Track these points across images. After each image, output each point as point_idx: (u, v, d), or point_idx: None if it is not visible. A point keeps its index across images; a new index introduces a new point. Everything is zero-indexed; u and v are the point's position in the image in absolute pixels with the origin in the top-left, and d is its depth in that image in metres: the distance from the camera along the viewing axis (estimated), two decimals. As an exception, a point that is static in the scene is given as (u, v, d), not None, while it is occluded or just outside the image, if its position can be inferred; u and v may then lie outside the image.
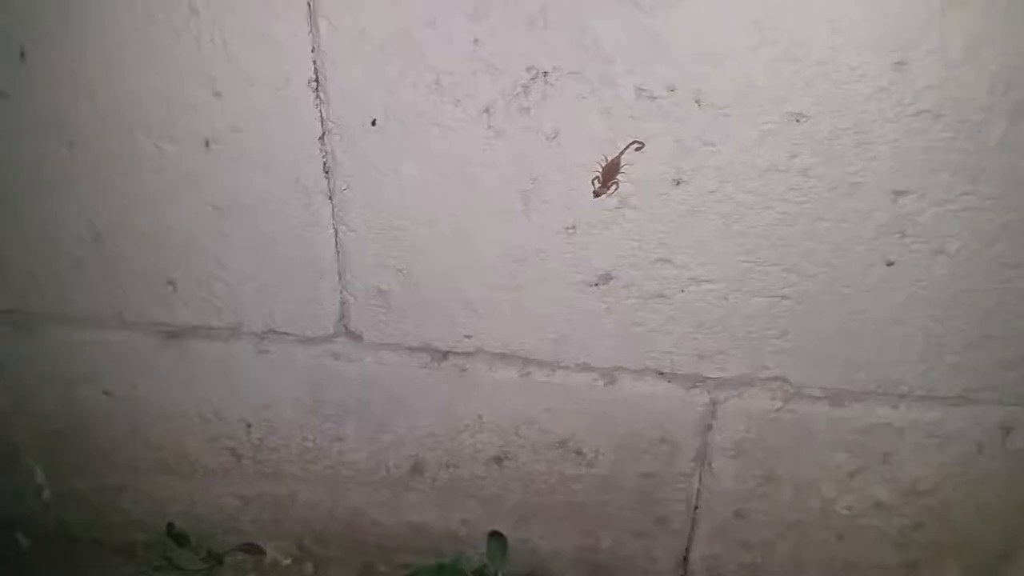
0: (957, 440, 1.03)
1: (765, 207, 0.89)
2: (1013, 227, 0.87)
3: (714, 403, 1.05)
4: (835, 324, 0.96)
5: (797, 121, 0.83)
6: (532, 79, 0.84)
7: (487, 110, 0.87)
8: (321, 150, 0.92)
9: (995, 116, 0.81)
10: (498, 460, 1.14)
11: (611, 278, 0.96)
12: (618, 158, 0.87)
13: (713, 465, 1.10)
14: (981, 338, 0.95)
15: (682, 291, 0.96)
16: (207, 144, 0.93)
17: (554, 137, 0.87)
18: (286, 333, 1.07)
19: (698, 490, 1.13)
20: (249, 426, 1.17)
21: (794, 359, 0.99)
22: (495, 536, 1.15)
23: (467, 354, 1.06)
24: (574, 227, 0.93)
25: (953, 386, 0.99)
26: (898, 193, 0.87)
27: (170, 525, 1.25)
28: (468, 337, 1.04)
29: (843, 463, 1.08)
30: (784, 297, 0.94)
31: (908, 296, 0.93)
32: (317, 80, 0.88)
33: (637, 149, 0.87)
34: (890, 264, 0.91)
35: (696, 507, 1.15)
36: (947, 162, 0.84)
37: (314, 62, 0.87)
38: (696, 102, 0.83)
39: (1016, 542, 1.10)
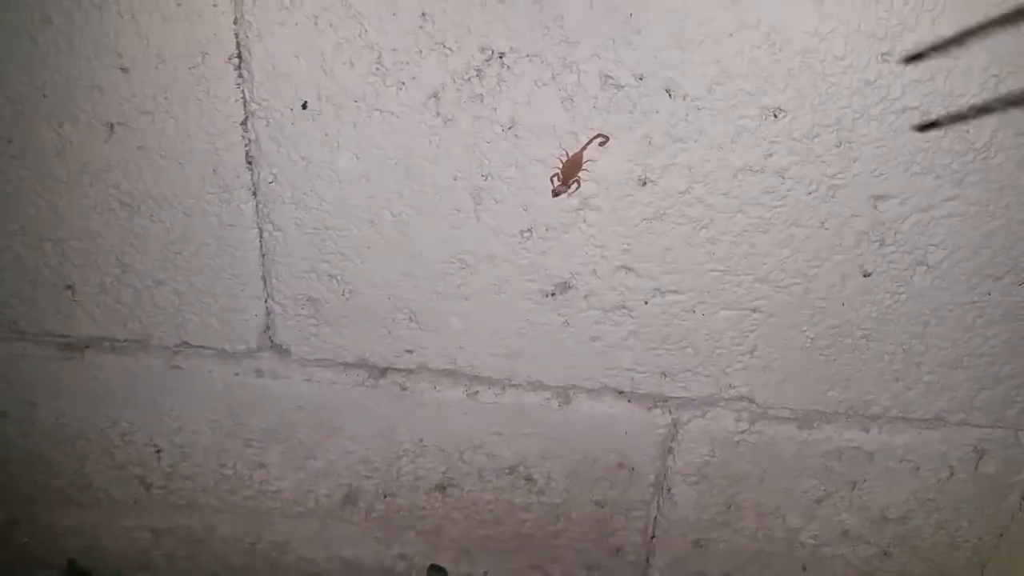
0: (930, 464, 0.97)
1: (737, 211, 0.81)
2: (997, 236, 0.81)
3: (676, 424, 0.97)
4: (807, 340, 0.89)
5: (775, 116, 0.76)
6: (486, 61, 0.75)
7: (435, 95, 0.77)
8: (243, 137, 0.81)
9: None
10: (441, 488, 1.04)
11: (569, 288, 0.87)
12: (580, 153, 0.79)
13: (673, 491, 1.02)
14: (959, 356, 0.89)
15: (646, 303, 0.88)
16: (112, 128, 0.81)
17: (510, 128, 0.78)
18: (202, 346, 0.95)
19: (656, 518, 1.05)
20: (159, 451, 1.04)
21: (762, 377, 0.92)
22: (436, 571, 1.08)
23: (408, 371, 0.95)
24: (530, 230, 0.84)
25: (928, 407, 0.93)
26: (878, 198, 0.80)
27: (71, 562, 1.14)
28: (409, 352, 0.94)
29: (809, 489, 1.01)
30: (755, 310, 0.87)
31: (885, 310, 0.87)
32: (240, 56, 0.77)
33: (601, 144, 0.78)
34: (867, 275, 0.85)
35: (653, 536, 1.07)
36: (932, 165, 0.78)
37: (236, 35, 0.76)
38: (667, 92, 0.76)
39: (987, 569, 1.05)
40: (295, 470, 1.04)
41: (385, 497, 1.06)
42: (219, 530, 1.11)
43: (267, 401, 0.98)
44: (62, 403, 1.02)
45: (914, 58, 0.72)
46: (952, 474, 0.97)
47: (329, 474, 1.04)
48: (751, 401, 0.94)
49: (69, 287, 0.92)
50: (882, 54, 0.73)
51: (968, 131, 0.76)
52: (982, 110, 0.73)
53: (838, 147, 0.78)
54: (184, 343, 0.95)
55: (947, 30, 0.71)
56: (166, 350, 0.96)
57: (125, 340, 0.95)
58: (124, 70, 0.78)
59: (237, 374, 0.96)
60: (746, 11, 0.72)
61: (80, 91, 0.80)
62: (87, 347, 0.97)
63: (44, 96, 0.80)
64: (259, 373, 0.96)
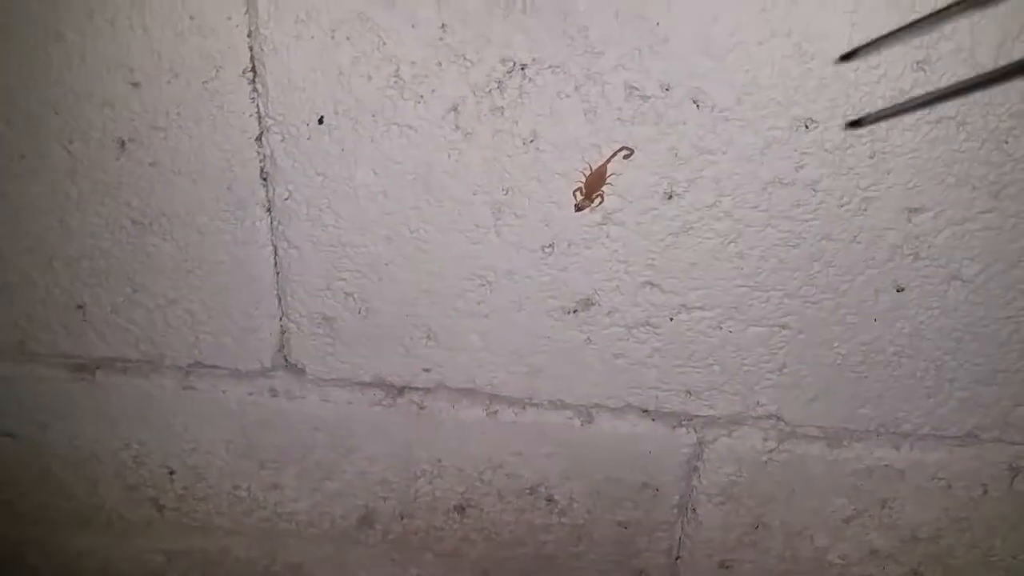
0: (962, 482, 0.94)
1: (767, 225, 0.79)
2: (1035, 249, 0.79)
3: (701, 444, 0.94)
4: (838, 356, 0.87)
5: (806, 127, 0.74)
6: (508, 73, 0.73)
7: (455, 108, 0.75)
8: (258, 152, 0.79)
9: (1026, 123, 0.72)
10: (459, 509, 1.01)
11: (592, 304, 0.85)
12: (604, 166, 0.76)
13: (698, 512, 0.99)
14: (993, 372, 0.86)
15: (671, 319, 0.85)
16: (123, 145, 0.79)
17: (531, 141, 0.76)
18: (215, 366, 0.93)
19: (681, 539, 1.02)
20: (173, 473, 1.02)
21: (791, 395, 0.89)
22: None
23: (426, 390, 0.93)
24: (551, 245, 0.82)
25: (962, 424, 0.90)
26: (913, 211, 0.78)
27: None
28: (427, 371, 0.91)
29: (838, 508, 0.98)
30: (784, 326, 0.84)
31: (918, 325, 0.84)
32: (254, 69, 0.75)
33: (626, 157, 0.76)
34: (900, 290, 0.82)
35: (678, 558, 1.04)
36: (969, 175, 0.75)
37: (250, 48, 0.74)
38: (694, 103, 0.73)
39: (1020, 590, 1.02)
40: (310, 491, 1.01)
41: (402, 519, 1.03)
42: (233, 552, 1.09)
43: (282, 421, 0.96)
44: (73, 424, 1.00)
45: (846, 57, 0.71)
46: (985, 492, 0.94)
47: (345, 495, 1.02)
48: (779, 419, 0.91)
49: (80, 307, 0.90)
50: (917, 62, 0.70)
51: (1007, 141, 0.73)
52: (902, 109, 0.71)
53: (871, 158, 0.75)
54: (197, 363, 0.92)
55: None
56: (179, 370, 0.93)
57: (137, 360, 0.93)
58: (135, 85, 0.76)
59: (251, 394, 0.94)
60: (776, 20, 0.69)
61: (91, 108, 0.78)
62: (98, 368, 0.95)
63: (56, 113, 0.78)
64: (273, 393, 0.94)
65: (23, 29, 0.75)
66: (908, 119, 0.73)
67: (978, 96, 0.71)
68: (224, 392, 0.94)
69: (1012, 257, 0.79)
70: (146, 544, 1.10)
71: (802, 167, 0.76)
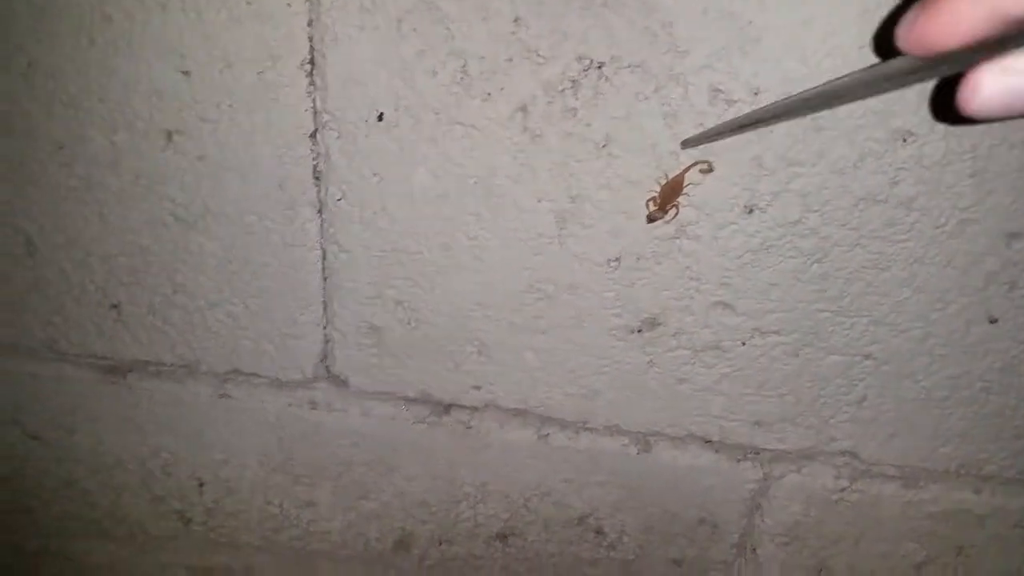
0: (1048, 533, 0.87)
1: (855, 244, 0.72)
2: None
3: (767, 479, 0.87)
4: (922, 390, 0.80)
5: (904, 140, 0.68)
6: (584, 71, 0.67)
7: (523, 108, 0.70)
8: (312, 150, 0.74)
9: None
10: (502, 537, 0.95)
11: (658, 324, 0.79)
12: (681, 176, 0.71)
13: (758, 552, 0.92)
14: (1087, 413, 0.79)
15: (743, 343, 0.79)
16: (170, 136, 0.75)
17: (604, 146, 0.71)
18: (254, 374, 0.88)
19: (736, 581, 0.95)
20: (202, 484, 0.97)
21: (869, 431, 0.83)
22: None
23: (474, 409, 0.87)
24: (618, 259, 0.76)
25: (1052, 469, 0.83)
26: (1013, 236, 0.71)
27: None
28: (477, 388, 0.85)
29: (910, 554, 0.91)
30: (867, 356, 0.78)
31: (1010, 360, 0.78)
32: (312, 61, 0.70)
33: (703, 172, 0.70)
34: (993, 321, 0.76)
35: (732, 601, 0.97)
36: (1078, 200, 0.69)
37: (310, 38, 0.69)
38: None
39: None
40: (345, 510, 0.96)
41: (440, 544, 0.97)
42: (260, 572, 1.03)
43: (321, 435, 0.90)
44: (101, 429, 0.95)
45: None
46: (1071, 544, 0.87)
47: (382, 516, 0.96)
48: (854, 456, 0.84)
49: (115, 306, 0.85)
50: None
51: (1125, 163, 0.67)
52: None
53: (972, 177, 0.69)
54: (235, 370, 0.87)
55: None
56: (216, 377, 0.88)
57: (172, 365, 0.88)
58: (186, 73, 0.72)
59: (290, 405, 0.89)
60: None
61: (138, 96, 0.74)
62: (130, 371, 0.90)
63: (100, 101, 0.74)
64: (313, 405, 0.89)
65: (68, 10, 0.70)
66: (1016, 137, 0.67)
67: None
68: (262, 402, 0.89)
69: (1120, 290, 0.73)
70: (169, 559, 1.05)
71: (897, 183, 0.70)
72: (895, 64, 0.40)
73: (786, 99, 0.59)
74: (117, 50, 0.72)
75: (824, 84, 0.54)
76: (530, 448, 0.88)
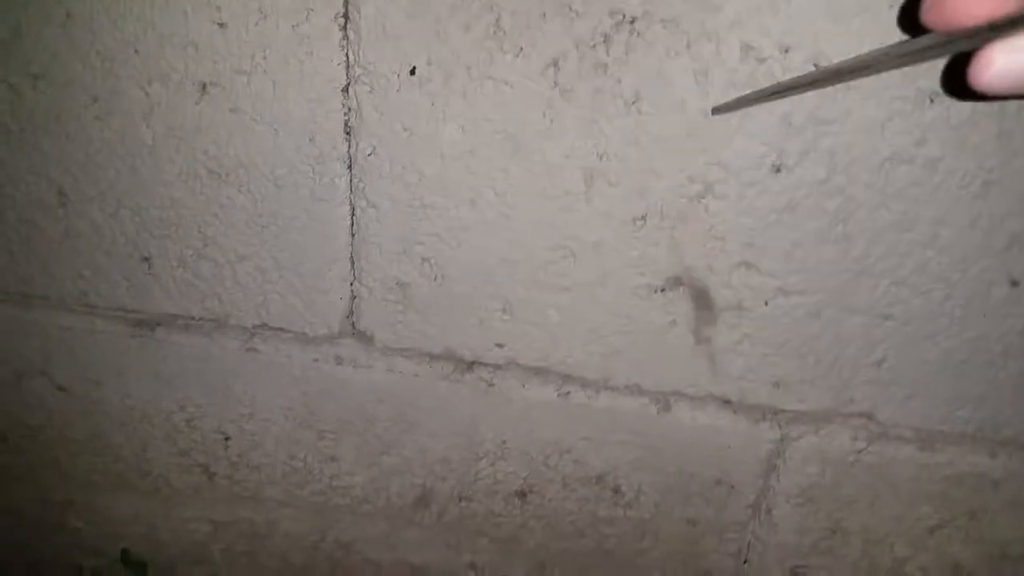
0: (1062, 498, 0.88)
1: (880, 204, 0.73)
2: None
3: (784, 440, 0.88)
4: (941, 352, 0.81)
5: (931, 101, 0.68)
6: (616, 26, 0.68)
7: (555, 63, 0.71)
8: (343, 104, 0.75)
9: None
10: (520, 495, 0.97)
11: (681, 283, 0.80)
12: (710, 134, 0.71)
13: (773, 513, 0.94)
14: (1108, 379, 0.80)
15: (766, 303, 0.80)
16: (204, 88, 0.76)
17: (633, 103, 0.71)
18: (281, 329, 0.89)
19: (751, 542, 0.97)
20: (228, 438, 0.99)
21: (887, 392, 0.84)
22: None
23: (497, 366, 0.89)
24: (644, 217, 0.77)
25: (1068, 434, 0.84)
26: (1037, 198, 0.72)
27: (124, 552, 1.10)
28: (500, 346, 0.87)
29: (923, 517, 0.92)
30: (888, 317, 0.79)
31: (1030, 324, 0.79)
32: (346, 15, 0.71)
33: (732, 125, 0.71)
34: (1015, 284, 0.76)
35: (746, 561, 0.98)
36: (1104, 162, 0.69)
37: (346, -10, 0.70)
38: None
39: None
40: (368, 466, 0.98)
41: (460, 500, 0.99)
42: (282, 526, 1.05)
43: (346, 391, 0.92)
44: (128, 383, 0.97)
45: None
46: (1087, 511, 0.88)
47: (403, 472, 0.98)
48: (871, 418, 0.85)
49: (145, 259, 0.87)
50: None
51: None
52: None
53: (998, 138, 0.69)
54: (263, 324, 0.89)
55: None
56: (244, 331, 0.90)
57: (200, 319, 0.90)
58: (222, 25, 0.73)
59: (316, 360, 0.90)
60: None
61: (173, 48, 0.75)
62: (159, 324, 0.92)
63: (135, 52, 0.75)
64: (339, 360, 0.90)
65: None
66: (1044, 97, 0.67)
67: None
68: (289, 357, 0.90)
69: None
70: (192, 512, 1.07)
71: (924, 143, 0.70)
72: (919, 41, 0.42)
73: (814, 71, 0.60)
74: (154, 2, 0.73)
75: (852, 58, 0.55)
76: (550, 406, 0.90)
